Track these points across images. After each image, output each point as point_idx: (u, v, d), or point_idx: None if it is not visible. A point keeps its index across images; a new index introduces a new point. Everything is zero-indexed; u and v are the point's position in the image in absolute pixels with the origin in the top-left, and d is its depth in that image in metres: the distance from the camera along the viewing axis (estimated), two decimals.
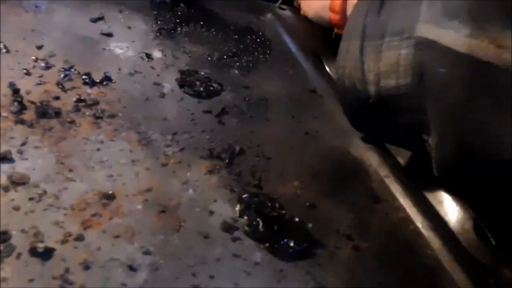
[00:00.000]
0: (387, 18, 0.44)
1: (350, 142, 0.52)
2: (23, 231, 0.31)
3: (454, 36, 0.37)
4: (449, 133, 0.40)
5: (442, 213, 0.47)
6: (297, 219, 0.39)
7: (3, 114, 0.39)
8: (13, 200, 0.33)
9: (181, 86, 0.51)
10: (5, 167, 0.35)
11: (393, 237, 0.43)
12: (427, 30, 0.40)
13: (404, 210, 0.45)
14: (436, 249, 0.42)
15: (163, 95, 0.49)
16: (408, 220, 0.45)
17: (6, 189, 0.33)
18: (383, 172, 0.49)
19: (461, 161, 0.41)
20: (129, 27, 0.58)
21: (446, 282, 0.39)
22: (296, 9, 0.73)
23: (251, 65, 0.61)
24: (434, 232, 0.43)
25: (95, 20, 0.57)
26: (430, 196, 0.48)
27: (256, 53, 0.64)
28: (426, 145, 0.44)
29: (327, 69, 0.63)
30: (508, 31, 0.34)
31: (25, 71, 0.45)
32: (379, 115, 0.49)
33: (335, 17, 0.57)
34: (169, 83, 0.51)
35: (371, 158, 0.51)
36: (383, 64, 0.44)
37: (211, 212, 0.38)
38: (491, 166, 0.38)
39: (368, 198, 0.46)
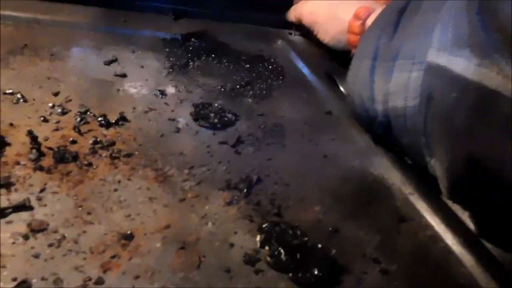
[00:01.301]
0: (400, 42, 0.46)
1: (370, 162, 0.51)
2: (43, 278, 0.31)
3: (464, 64, 0.38)
4: (457, 156, 0.41)
5: (473, 228, 0.45)
6: (320, 246, 0.38)
7: (22, 162, 0.40)
8: (33, 247, 0.33)
9: (195, 119, 0.52)
10: (25, 215, 0.35)
11: (423, 257, 0.41)
12: (438, 57, 0.41)
13: (432, 227, 0.44)
14: (470, 266, 0.40)
15: (178, 130, 0.50)
16: (437, 238, 0.43)
17: (26, 237, 0.33)
18: (407, 189, 0.48)
19: (470, 183, 0.41)
20: (142, 66, 0.59)
21: None
22: (305, 33, 0.73)
23: (264, 92, 0.61)
24: (466, 249, 0.42)
25: (108, 63, 0.58)
26: (459, 211, 0.46)
27: (269, 80, 0.64)
28: (429, 166, 0.45)
29: (342, 89, 0.63)
30: None
31: (42, 118, 0.46)
32: (385, 133, 0.50)
33: (354, 38, 0.58)
34: (184, 118, 0.52)
35: (393, 177, 0.49)
36: (393, 84, 0.46)
37: (232, 245, 0.37)
38: (501, 190, 0.38)
39: (393, 218, 0.45)
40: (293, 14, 0.74)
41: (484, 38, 0.37)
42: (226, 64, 0.65)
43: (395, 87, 0.46)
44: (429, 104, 0.43)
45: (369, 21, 0.56)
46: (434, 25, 0.43)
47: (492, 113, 0.37)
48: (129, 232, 0.36)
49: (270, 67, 0.67)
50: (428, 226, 0.44)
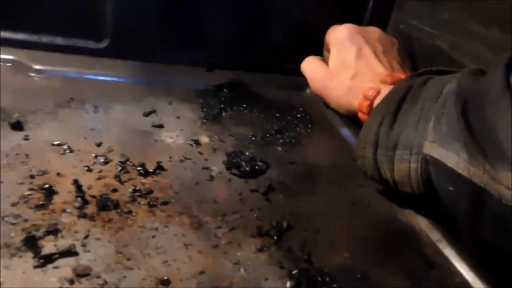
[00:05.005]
0: (399, 132, 0.48)
1: (398, 208, 0.52)
2: None
3: (456, 159, 0.41)
4: (471, 238, 0.44)
5: (503, 274, 0.45)
6: None
7: (68, 210, 0.43)
8: None
9: (228, 168, 0.54)
10: (71, 260, 0.38)
11: None
12: (433, 149, 0.44)
13: (461, 275, 0.44)
14: None
15: (212, 178, 0.52)
16: (467, 285, 0.43)
17: (72, 282, 0.36)
18: (435, 236, 0.49)
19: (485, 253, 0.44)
20: (178, 117, 0.63)
21: None
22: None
23: (294, 140, 0.63)
24: None
25: (147, 114, 0.62)
26: (488, 259, 0.47)
27: (298, 129, 0.66)
28: None
29: None
30: (499, 165, 0.37)
31: (86, 168, 0.49)
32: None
33: (364, 117, 0.60)
34: (217, 166, 0.54)
35: (421, 223, 0.50)
36: (397, 174, 0.49)
37: None
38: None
39: (422, 264, 0.45)
40: (302, 69, 0.75)
41: (469, 139, 0.40)
42: (256, 113, 0.68)
43: (399, 176, 0.48)
44: (434, 192, 0.45)
45: (376, 101, 0.58)
46: (429, 116, 0.46)
47: (485, 210, 0.39)
48: (166, 277, 0.38)
49: (299, 115, 0.70)
50: (457, 273, 0.45)
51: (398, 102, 0.50)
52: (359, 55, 0.65)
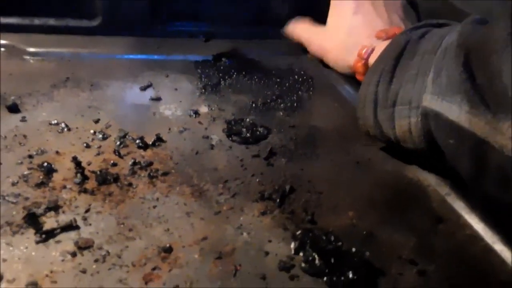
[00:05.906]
0: (398, 87, 0.47)
1: (404, 165, 0.51)
2: None
3: (457, 112, 0.39)
4: (475, 192, 0.44)
5: None
6: (354, 249, 0.39)
7: (68, 186, 0.43)
8: (80, 264, 0.35)
9: (228, 135, 0.53)
10: (72, 234, 0.38)
11: (462, 257, 0.41)
12: (433, 102, 0.42)
13: (471, 227, 0.43)
14: None
15: (212, 147, 0.51)
16: (477, 237, 0.42)
17: (74, 254, 0.36)
18: (444, 190, 0.47)
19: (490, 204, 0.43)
20: (176, 89, 0.62)
21: None
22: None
23: (295, 104, 0.62)
24: (508, 246, 0.41)
25: (144, 88, 0.61)
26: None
27: (299, 92, 0.65)
28: None
29: None
30: (501, 115, 0.35)
31: (85, 144, 0.49)
32: None
33: (360, 77, 0.60)
34: (217, 135, 0.54)
35: (429, 178, 0.49)
36: (398, 130, 0.47)
37: (267, 253, 0.38)
38: None
39: (430, 219, 0.44)
40: (294, 34, 0.74)
41: (471, 89, 0.38)
42: (256, 80, 0.67)
43: (400, 133, 0.47)
44: (436, 146, 0.44)
45: (371, 60, 0.57)
46: (428, 69, 0.44)
47: (487, 162, 0.38)
48: (168, 245, 0.38)
49: (300, 79, 0.68)
50: (467, 225, 0.44)
51: (395, 57, 0.48)
52: (357, 10, 0.63)
